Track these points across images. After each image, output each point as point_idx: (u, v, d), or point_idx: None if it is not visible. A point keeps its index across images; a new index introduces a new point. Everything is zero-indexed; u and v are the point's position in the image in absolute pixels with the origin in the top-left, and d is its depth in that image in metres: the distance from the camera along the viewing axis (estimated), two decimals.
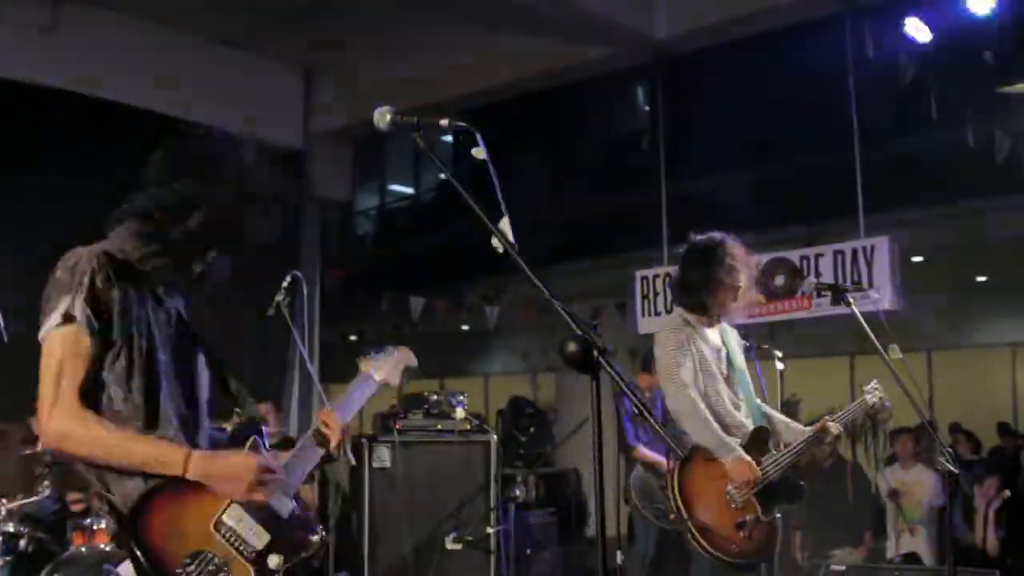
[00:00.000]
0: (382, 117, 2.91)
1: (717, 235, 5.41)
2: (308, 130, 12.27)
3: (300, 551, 3.06)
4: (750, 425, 5.23)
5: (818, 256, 9.65)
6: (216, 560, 2.90)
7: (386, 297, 15.70)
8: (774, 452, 5.13)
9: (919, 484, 9.40)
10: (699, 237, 5.50)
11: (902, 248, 9.65)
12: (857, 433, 15.66)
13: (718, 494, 4.99)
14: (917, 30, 9.20)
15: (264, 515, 3.01)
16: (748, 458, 5.01)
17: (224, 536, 2.94)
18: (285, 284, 6.15)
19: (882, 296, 8.80)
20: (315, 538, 3.12)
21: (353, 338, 20.37)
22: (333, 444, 3.24)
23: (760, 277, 5.62)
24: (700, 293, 5.34)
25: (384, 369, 3.62)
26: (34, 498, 6.14)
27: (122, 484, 2.96)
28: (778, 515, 5.10)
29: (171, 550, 2.86)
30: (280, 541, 3.01)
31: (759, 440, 5.15)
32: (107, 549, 5.69)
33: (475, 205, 2.71)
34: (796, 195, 11.59)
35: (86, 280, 2.96)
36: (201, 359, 3.26)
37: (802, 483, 5.23)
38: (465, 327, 18.49)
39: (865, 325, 4.53)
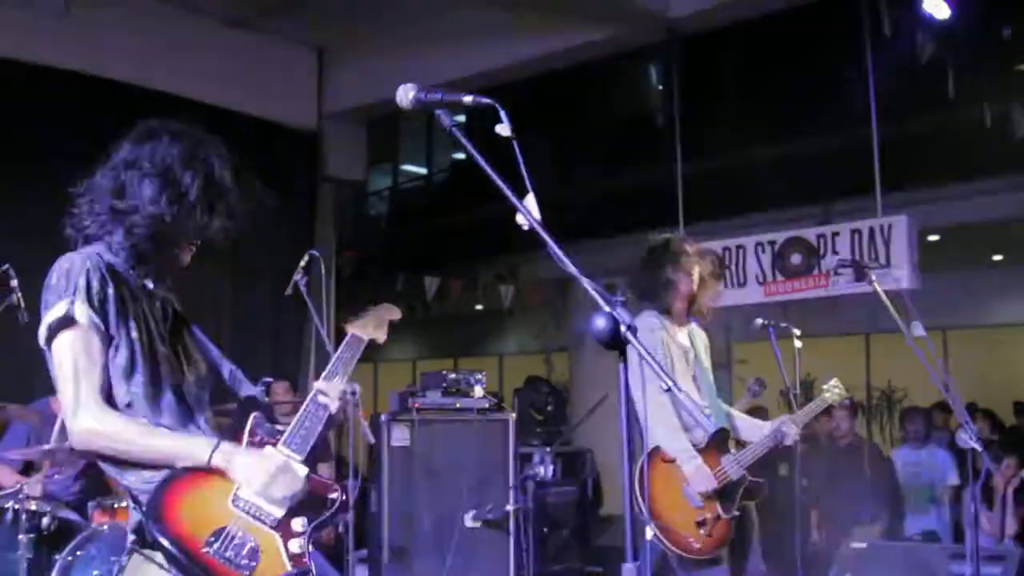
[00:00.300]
0: (405, 94, 2.87)
1: (666, 235, 5.58)
2: (321, 110, 12.26)
3: (322, 510, 3.10)
4: (711, 427, 5.36)
5: (835, 235, 9.62)
6: (239, 534, 2.92)
7: (400, 277, 15.73)
8: (734, 452, 5.32)
9: (931, 463, 9.41)
10: (653, 236, 5.63)
11: (919, 227, 9.62)
12: (873, 413, 15.67)
13: (677, 493, 5.19)
14: (935, 7, 9.15)
15: None
16: (707, 469, 5.19)
17: (243, 509, 2.97)
18: (303, 263, 6.16)
19: (900, 275, 8.78)
20: (334, 495, 3.15)
21: None
22: (333, 409, 3.27)
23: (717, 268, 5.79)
24: (659, 294, 5.49)
25: (369, 327, 3.66)
26: (57, 477, 6.17)
27: (138, 473, 3.01)
28: (736, 513, 5.26)
29: (193, 532, 2.88)
30: (301, 504, 3.05)
31: (719, 442, 5.33)
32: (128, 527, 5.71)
33: (500, 182, 2.70)
34: (812, 173, 11.56)
35: (82, 282, 2.99)
36: (197, 347, 3.30)
37: (762, 481, 5.38)
38: (479, 307, 18.50)
39: (888, 302, 4.52)
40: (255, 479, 2.99)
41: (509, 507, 7.06)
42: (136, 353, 3.05)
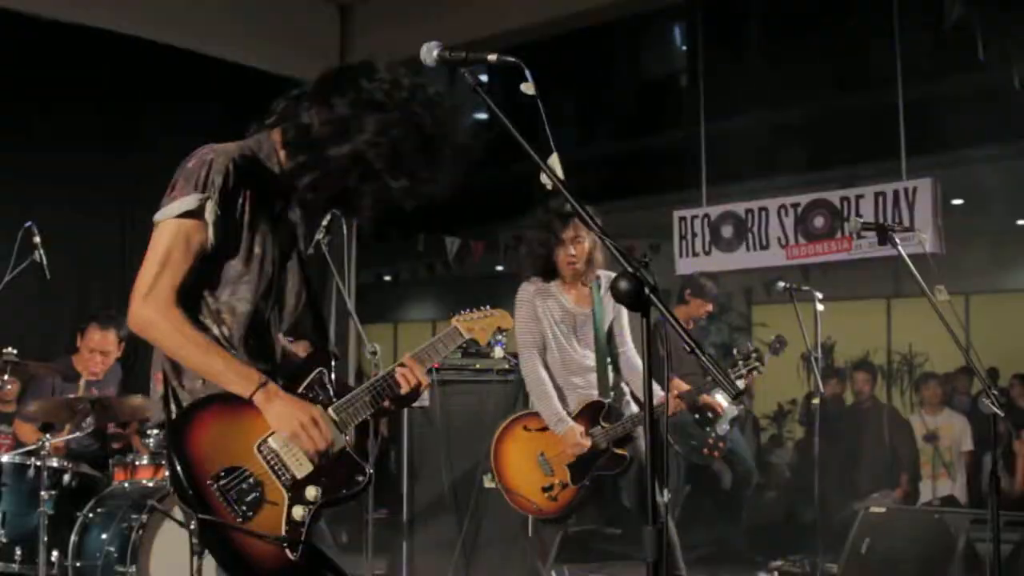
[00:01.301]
0: (428, 53, 2.85)
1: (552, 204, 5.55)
2: None
3: (341, 488, 3.02)
4: (594, 392, 5.50)
5: (859, 198, 9.55)
6: (251, 479, 2.87)
7: (421, 237, 15.67)
8: (604, 425, 5.40)
9: (949, 428, 9.39)
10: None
11: (943, 191, 9.53)
12: (893, 377, 15.61)
13: (531, 459, 5.44)
14: None
15: None
16: (579, 431, 5.35)
17: (265, 457, 2.92)
18: (324, 223, 6.14)
19: (924, 238, 8.72)
20: (360, 479, 3.06)
21: (387, 278, 20.38)
22: (404, 390, 3.23)
23: None
24: (535, 262, 5.66)
25: (475, 326, 3.61)
26: (77, 434, 6.20)
27: (192, 382, 2.98)
28: (586, 483, 5.39)
29: (206, 460, 2.85)
30: (323, 474, 2.97)
31: (593, 412, 5.44)
32: (149, 485, 5.75)
33: (524, 142, 2.67)
34: (837, 136, 11.46)
35: (219, 181, 2.93)
36: (300, 280, 3.23)
37: (625, 454, 5.43)
38: (500, 267, 18.45)
39: (911, 266, 4.48)
40: (285, 424, 2.93)
41: None
42: (250, 270, 3.02)
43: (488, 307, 3.69)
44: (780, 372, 10.65)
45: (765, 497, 9.56)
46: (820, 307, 6.52)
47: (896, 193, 9.32)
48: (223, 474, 2.84)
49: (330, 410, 3.06)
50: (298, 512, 2.91)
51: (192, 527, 2.80)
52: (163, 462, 6.02)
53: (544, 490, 5.39)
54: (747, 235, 10.31)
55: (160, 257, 2.91)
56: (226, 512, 2.82)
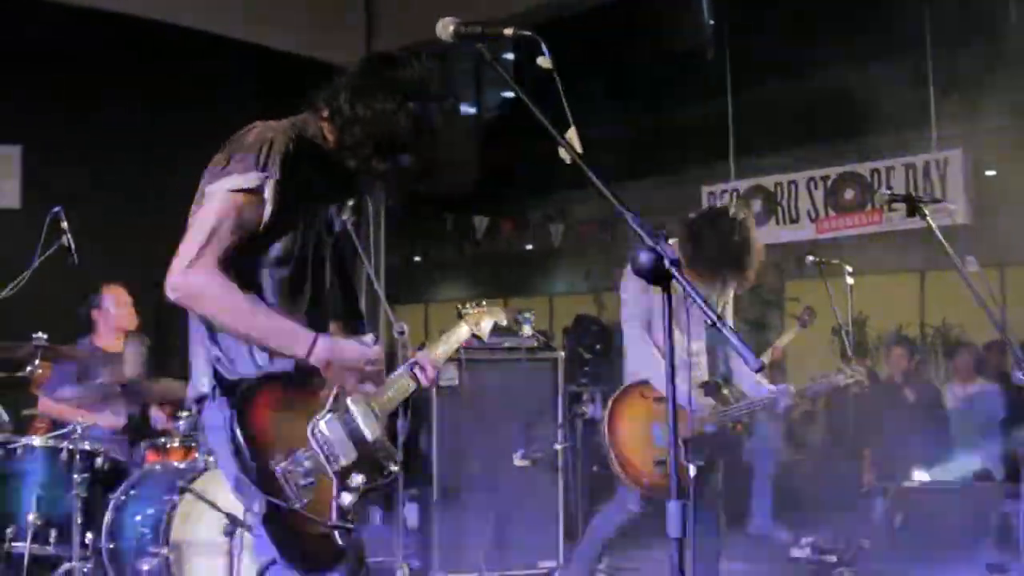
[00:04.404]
0: (445, 28, 2.86)
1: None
2: (370, 49, 12.15)
3: (379, 476, 3.08)
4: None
5: (889, 170, 9.49)
6: (306, 464, 2.91)
7: (450, 217, 15.68)
8: (719, 406, 5.23)
9: (981, 399, 9.29)
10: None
11: (975, 161, 9.44)
12: (928, 351, 15.49)
13: (646, 429, 5.19)
14: None
15: (356, 435, 3.05)
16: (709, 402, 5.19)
17: (319, 442, 2.96)
18: (351, 203, 6.13)
19: (955, 210, 8.65)
20: (392, 466, 3.13)
21: (418, 259, 20.43)
22: (425, 383, 3.33)
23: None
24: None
25: (482, 320, 3.88)
26: (108, 414, 6.24)
27: (236, 366, 2.99)
28: (700, 463, 5.14)
29: (269, 442, 2.88)
30: (364, 462, 3.03)
31: (711, 393, 5.28)
32: (180, 466, 5.77)
33: (541, 116, 2.66)
34: (867, 107, 11.35)
35: (279, 160, 2.94)
36: (338, 267, 3.30)
37: (740, 439, 5.32)
38: (529, 246, 18.43)
39: (940, 237, 4.42)
40: (353, 371, 3.02)
41: (557, 446, 7.06)
42: (297, 250, 3.04)
43: (484, 303, 3.93)
44: (813, 346, 10.57)
45: (797, 472, 9.51)
46: (850, 281, 6.47)
47: (927, 165, 9.25)
48: (282, 457, 2.88)
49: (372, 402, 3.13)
50: (346, 499, 2.96)
51: (246, 514, 2.90)
52: (194, 444, 6.05)
53: (657, 464, 5.11)
54: (777, 209, 10.25)
55: (209, 228, 2.89)
56: (288, 496, 2.85)
